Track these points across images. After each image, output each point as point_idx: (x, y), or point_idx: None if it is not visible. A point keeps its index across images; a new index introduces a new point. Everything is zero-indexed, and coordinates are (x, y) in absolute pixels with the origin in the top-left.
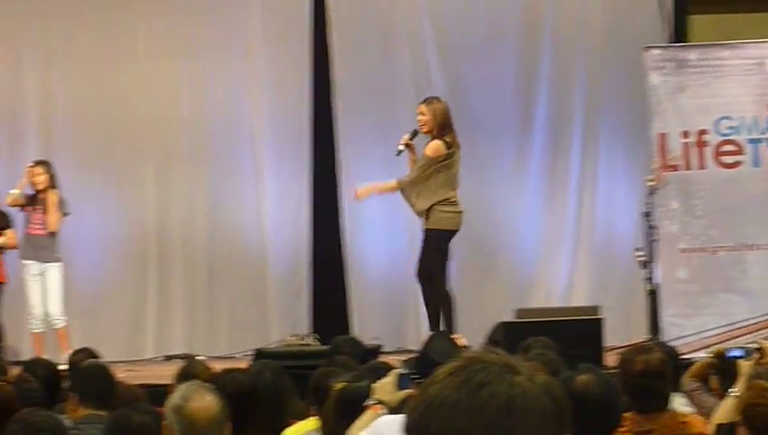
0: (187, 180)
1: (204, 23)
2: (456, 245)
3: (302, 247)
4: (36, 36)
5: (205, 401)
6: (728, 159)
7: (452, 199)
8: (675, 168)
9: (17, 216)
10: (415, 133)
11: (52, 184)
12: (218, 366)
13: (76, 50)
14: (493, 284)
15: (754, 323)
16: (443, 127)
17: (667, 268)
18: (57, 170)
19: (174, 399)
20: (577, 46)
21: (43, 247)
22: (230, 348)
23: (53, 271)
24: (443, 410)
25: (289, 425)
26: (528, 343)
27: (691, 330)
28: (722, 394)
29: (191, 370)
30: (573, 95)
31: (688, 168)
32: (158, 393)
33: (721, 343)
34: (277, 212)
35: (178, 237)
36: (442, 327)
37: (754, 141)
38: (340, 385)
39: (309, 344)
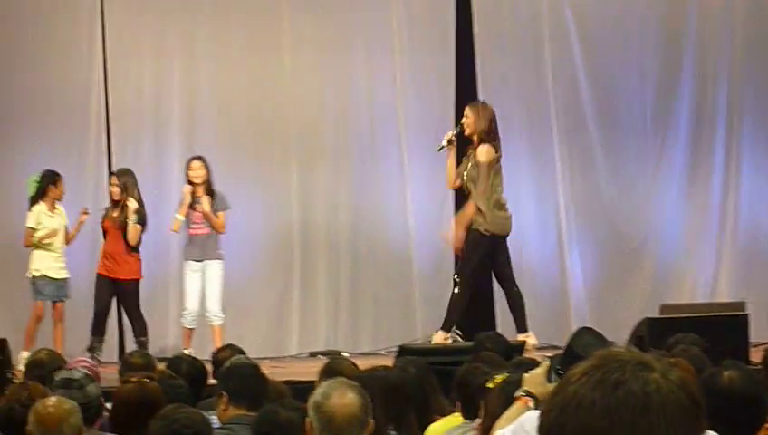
0: (332, 177)
1: (349, 20)
2: (600, 241)
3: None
4: (181, 32)
5: (345, 399)
6: None
7: (505, 204)
8: None
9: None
10: (458, 132)
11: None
12: (362, 363)
13: (221, 48)
14: (637, 279)
15: None
16: (489, 132)
17: None
18: None
19: (315, 395)
20: (721, 38)
21: (204, 245)
22: (374, 344)
23: (214, 267)
24: (580, 410)
25: (433, 421)
26: (676, 338)
27: None
28: None
29: (336, 366)
30: (717, 90)
31: None
32: (303, 390)
33: None
34: (422, 209)
35: (322, 235)
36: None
37: None
38: (499, 378)
39: (454, 341)
